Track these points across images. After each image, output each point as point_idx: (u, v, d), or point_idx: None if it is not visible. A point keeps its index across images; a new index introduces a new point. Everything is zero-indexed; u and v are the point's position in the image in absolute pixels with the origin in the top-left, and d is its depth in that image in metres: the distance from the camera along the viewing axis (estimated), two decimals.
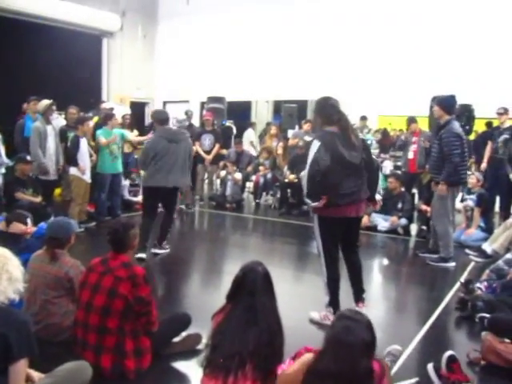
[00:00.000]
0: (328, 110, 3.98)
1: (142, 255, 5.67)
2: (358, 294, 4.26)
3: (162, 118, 6.05)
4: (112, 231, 3.13)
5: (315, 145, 3.85)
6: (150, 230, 5.89)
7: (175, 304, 4.51)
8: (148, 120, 12.82)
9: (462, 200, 7.18)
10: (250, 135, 12.09)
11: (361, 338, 2.07)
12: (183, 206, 8.93)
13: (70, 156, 7.02)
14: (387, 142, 10.48)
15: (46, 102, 7.12)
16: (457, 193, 6.17)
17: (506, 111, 7.88)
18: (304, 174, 3.94)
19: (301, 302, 4.48)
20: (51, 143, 7.10)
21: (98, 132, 7.55)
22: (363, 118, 10.99)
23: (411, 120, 7.88)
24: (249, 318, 2.46)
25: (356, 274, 4.27)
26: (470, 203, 7.00)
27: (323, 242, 4.05)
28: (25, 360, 2.35)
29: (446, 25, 9.88)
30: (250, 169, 9.88)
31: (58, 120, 7.68)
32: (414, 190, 8.14)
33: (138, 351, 3.01)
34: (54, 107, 7.37)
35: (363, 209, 4.16)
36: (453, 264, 5.92)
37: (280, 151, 9.70)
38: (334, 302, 4.11)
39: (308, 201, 3.96)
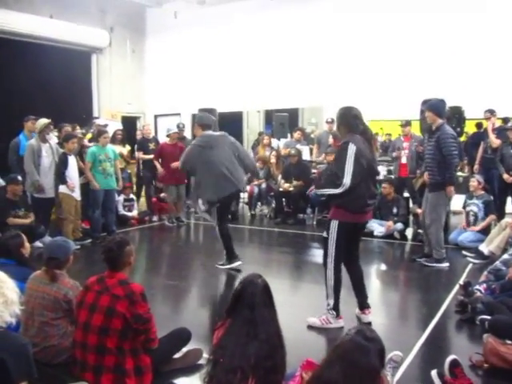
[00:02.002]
0: (351, 120, 4.10)
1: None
2: (364, 301, 4.31)
3: (206, 123, 5.95)
4: (106, 250, 3.07)
5: (351, 148, 3.90)
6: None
7: (174, 320, 4.47)
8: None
9: (465, 206, 7.18)
10: None
11: (372, 364, 2.02)
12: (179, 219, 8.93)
13: (58, 174, 7.00)
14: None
15: (44, 121, 7.11)
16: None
17: (492, 113, 7.98)
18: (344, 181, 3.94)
19: (299, 312, 4.45)
20: (46, 161, 7.07)
21: (90, 150, 7.53)
22: None
23: (406, 123, 7.95)
24: (249, 331, 2.43)
25: (360, 281, 4.33)
26: (475, 209, 7.01)
27: (336, 246, 4.07)
28: (24, 383, 2.32)
29: (435, 29, 9.94)
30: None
31: (51, 137, 7.65)
32: (406, 194, 8.16)
33: (138, 369, 2.97)
34: (52, 126, 7.36)
35: (371, 214, 4.31)
36: (446, 264, 5.98)
37: (273, 160, 9.71)
38: (337, 306, 4.16)
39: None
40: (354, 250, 4.30)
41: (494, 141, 7.81)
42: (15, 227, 5.85)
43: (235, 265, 5.92)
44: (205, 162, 5.61)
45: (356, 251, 4.34)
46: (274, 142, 10.49)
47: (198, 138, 5.91)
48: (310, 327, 4.19)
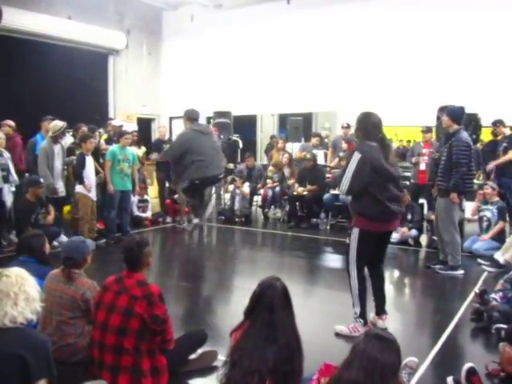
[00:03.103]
0: (368, 127, 4.08)
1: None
2: (382, 306, 4.30)
3: (193, 116, 6.74)
4: (126, 250, 3.09)
5: (356, 156, 3.91)
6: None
7: (188, 321, 4.49)
8: (155, 136, 12.86)
9: (479, 211, 7.15)
10: None
11: (391, 359, 2.04)
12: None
13: (76, 174, 7.06)
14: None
15: (60, 125, 7.09)
16: (461, 201, 6.20)
17: (500, 123, 7.94)
18: (343, 183, 3.98)
19: (312, 317, 4.44)
20: (58, 163, 7.14)
21: (110, 149, 7.59)
22: None
23: (428, 129, 7.90)
24: (268, 334, 2.44)
25: (381, 288, 4.33)
26: (488, 214, 6.97)
27: (358, 256, 4.05)
28: (44, 381, 2.34)
29: (452, 35, 9.88)
30: (259, 185, 9.85)
31: (66, 138, 7.71)
32: (422, 201, 8.12)
33: (155, 370, 2.98)
34: (66, 130, 7.40)
35: (398, 222, 4.25)
36: (461, 272, 5.93)
37: (285, 161, 9.62)
38: (363, 314, 4.14)
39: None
40: (378, 255, 4.28)
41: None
42: (38, 227, 5.90)
43: (194, 221, 7.02)
44: (197, 144, 6.36)
45: (381, 256, 4.32)
46: (288, 146, 10.47)
47: (191, 125, 6.62)
48: (324, 332, 4.18)
